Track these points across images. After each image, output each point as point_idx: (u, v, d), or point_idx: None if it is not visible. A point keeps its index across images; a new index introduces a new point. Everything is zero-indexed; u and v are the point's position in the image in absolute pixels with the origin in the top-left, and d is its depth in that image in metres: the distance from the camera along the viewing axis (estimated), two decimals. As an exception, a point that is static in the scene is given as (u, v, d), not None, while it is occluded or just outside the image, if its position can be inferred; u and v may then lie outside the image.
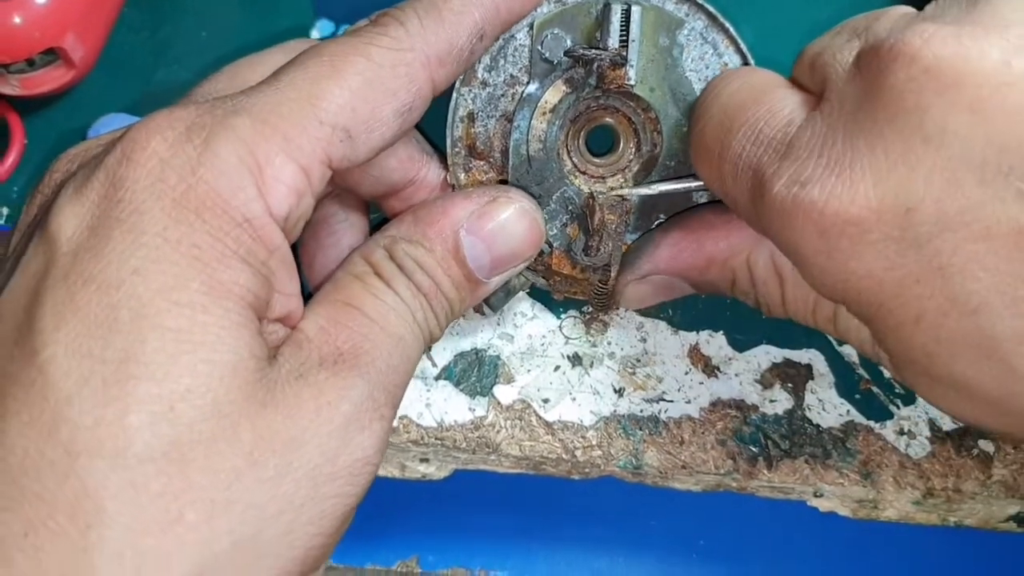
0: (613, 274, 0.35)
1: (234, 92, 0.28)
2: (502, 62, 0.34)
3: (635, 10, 0.33)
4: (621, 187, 0.36)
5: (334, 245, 0.36)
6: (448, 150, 0.35)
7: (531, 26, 0.34)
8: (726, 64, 0.35)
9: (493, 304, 0.36)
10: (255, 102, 0.27)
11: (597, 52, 0.33)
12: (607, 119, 0.36)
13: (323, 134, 0.27)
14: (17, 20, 0.39)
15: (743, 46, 0.35)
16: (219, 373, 0.24)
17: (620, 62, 0.33)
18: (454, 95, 0.34)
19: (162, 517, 0.23)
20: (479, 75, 0.34)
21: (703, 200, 0.36)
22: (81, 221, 0.25)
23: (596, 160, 0.37)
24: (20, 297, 0.25)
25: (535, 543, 0.44)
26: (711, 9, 0.34)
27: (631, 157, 0.36)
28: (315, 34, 0.46)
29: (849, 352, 0.42)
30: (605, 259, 0.35)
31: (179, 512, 0.23)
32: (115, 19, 0.45)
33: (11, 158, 0.44)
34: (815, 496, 0.42)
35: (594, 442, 0.41)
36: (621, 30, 0.33)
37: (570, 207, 0.36)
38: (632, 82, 0.34)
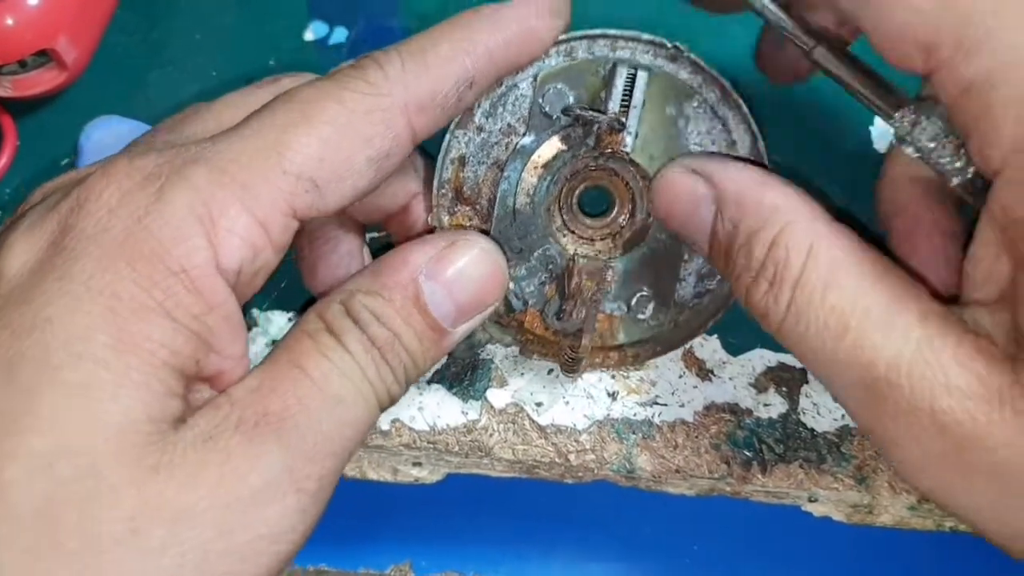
0: (585, 342, 0.34)
1: (209, 135, 0.27)
2: (501, 110, 0.33)
3: (641, 75, 0.32)
4: (609, 252, 0.35)
5: (333, 251, 0.35)
6: (434, 191, 0.34)
7: (535, 77, 0.33)
8: (734, 142, 0.33)
9: (457, 357, 0.35)
10: (218, 150, 0.26)
11: (595, 115, 0.32)
12: (604, 181, 0.35)
13: (286, 184, 0.26)
14: (9, 21, 0.39)
15: (754, 126, 0.33)
16: (105, 433, 0.23)
17: (618, 128, 0.32)
18: (447, 136, 0.34)
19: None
20: (476, 119, 0.33)
21: (692, 277, 0.35)
22: (25, 262, 0.25)
23: (587, 221, 0.35)
24: None
25: (528, 547, 0.44)
26: (725, 83, 0.33)
27: (623, 223, 0.35)
28: (309, 36, 0.46)
29: (844, 356, 0.42)
30: (577, 326, 0.34)
31: (42, 573, 0.22)
32: (108, 20, 0.45)
33: (3, 160, 0.44)
34: (810, 501, 0.41)
35: (587, 446, 0.41)
36: (624, 95, 0.32)
37: (550, 266, 0.35)
38: (628, 149, 0.33)
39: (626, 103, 0.32)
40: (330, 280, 0.35)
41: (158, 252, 0.25)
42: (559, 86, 0.33)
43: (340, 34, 0.46)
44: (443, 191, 0.34)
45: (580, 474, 0.41)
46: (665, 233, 0.34)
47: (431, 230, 0.35)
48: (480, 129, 0.34)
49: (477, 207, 0.34)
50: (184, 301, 0.25)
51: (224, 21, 0.46)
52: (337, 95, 0.28)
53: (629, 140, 0.33)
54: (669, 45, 0.33)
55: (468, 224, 0.34)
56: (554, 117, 0.33)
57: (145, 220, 0.25)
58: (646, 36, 0.33)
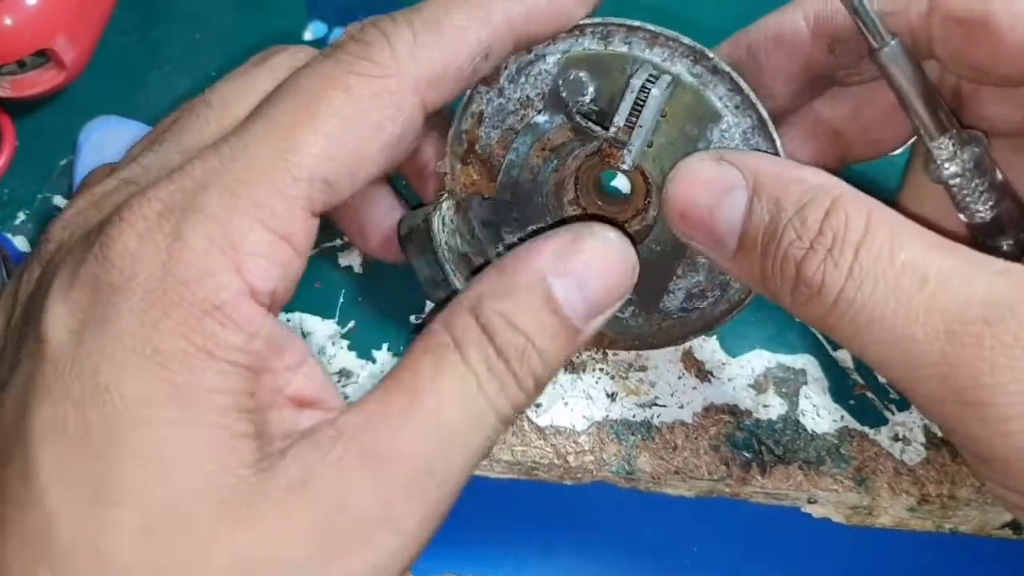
0: None
1: (211, 139, 0.27)
2: (523, 79, 0.32)
3: (654, 96, 0.30)
4: None
5: (374, 210, 0.35)
6: (450, 138, 0.33)
7: (564, 53, 0.31)
8: None
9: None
10: (226, 168, 0.25)
11: (595, 129, 0.31)
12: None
13: (299, 191, 0.25)
14: (8, 21, 0.39)
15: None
16: (185, 495, 0.23)
17: (619, 146, 0.31)
18: (469, 90, 0.32)
19: None
20: (501, 80, 0.32)
21: (680, 292, 0.34)
22: (66, 326, 0.25)
23: (600, 202, 0.35)
24: (12, 408, 0.25)
25: (527, 549, 0.44)
26: (763, 112, 0.30)
27: (634, 213, 0.34)
28: (308, 36, 0.46)
29: (844, 357, 0.42)
30: None
31: None
32: (107, 21, 0.45)
33: (1, 160, 0.43)
34: (809, 502, 0.41)
35: (587, 447, 0.40)
36: (631, 111, 0.30)
37: None
38: (627, 167, 0.31)
39: (632, 120, 0.30)
40: (379, 236, 0.36)
41: (187, 297, 0.24)
42: (582, 74, 0.31)
43: (339, 34, 0.46)
44: (459, 140, 0.33)
45: (579, 475, 0.41)
46: (660, 246, 0.33)
47: (442, 178, 0.34)
48: (501, 92, 0.32)
49: (488, 165, 0.33)
50: (223, 339, 0.24)
51: (223, 21, 0.46)
52: (343, 82, 0.26)
53: (628, 159, 0.31)
54: (711, 55, 0.30)
55: (476, 177, 0.34)
56: (568, 104, 0.32)
57: (169, 264, 0.24)
58: (687, 40, 0.30)
